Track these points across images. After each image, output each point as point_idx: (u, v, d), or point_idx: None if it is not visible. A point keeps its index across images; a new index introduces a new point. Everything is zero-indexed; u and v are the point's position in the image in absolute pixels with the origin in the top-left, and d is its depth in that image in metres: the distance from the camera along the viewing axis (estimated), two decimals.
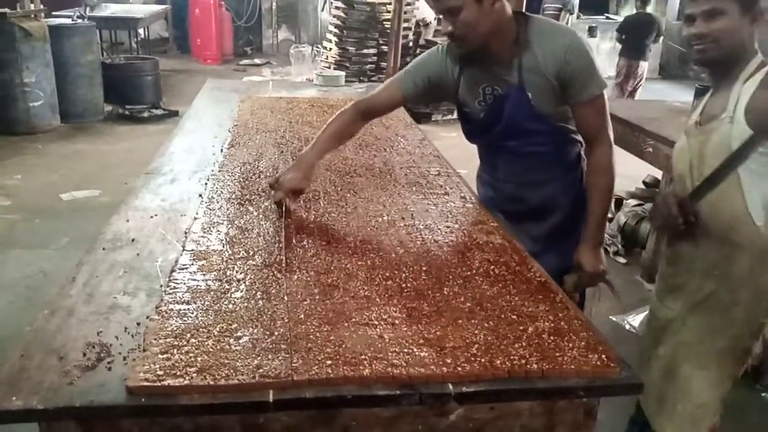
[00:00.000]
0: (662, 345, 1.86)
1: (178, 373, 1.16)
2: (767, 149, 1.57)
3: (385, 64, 7.10)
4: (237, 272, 1.57)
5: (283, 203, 1.96)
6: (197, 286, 1.50)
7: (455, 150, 4.10)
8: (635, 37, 7.35)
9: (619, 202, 4.59)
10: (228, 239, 1.76)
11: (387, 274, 1.59)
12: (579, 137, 2.05)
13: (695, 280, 1.79)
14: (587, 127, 1.95)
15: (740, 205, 1.65)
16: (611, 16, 11.94)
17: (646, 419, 1.92)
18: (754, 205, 1.63)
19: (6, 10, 6.13)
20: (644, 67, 7.38)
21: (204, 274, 1.55)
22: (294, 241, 1.76)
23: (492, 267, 1.67)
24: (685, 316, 1.82)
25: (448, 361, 1.24)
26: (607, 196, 1.96)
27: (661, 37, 7.89)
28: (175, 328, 1.31)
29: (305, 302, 1.44)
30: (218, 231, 1.81)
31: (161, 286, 1.50)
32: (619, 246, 4.32)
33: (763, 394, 2.89)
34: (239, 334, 1.30)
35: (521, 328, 1.37)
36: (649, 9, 7.89)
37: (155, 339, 1.27)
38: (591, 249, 1.95)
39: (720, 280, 1.73)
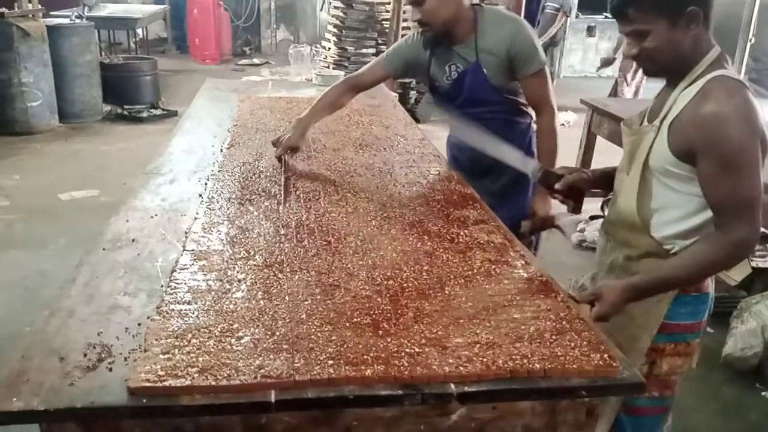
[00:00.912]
0: None
1: (180, 373, 1.16)
2: (680, 170, 1.53)
3: None
4: (238, 272, 1.57)
5: (282, 159, 2.41)
6: (198, 286, 1.49)
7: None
8: None
9: None
10: (228, 239, 1.75)
11: (388, 274, 1.59)
12: (529, 110, 2.48)
13: (602, 273, 1.80)
14: (533, 95, 2.39)
15: (645, 216, 1.63)
16: (610, 15, 11.92)
17: None
18: (658, 219, 1.61)
19: (4, 9, 6.11)
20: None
21: (205, 274, 1.55)
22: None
23: (493, 266, 1.67)
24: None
25: (450, 360, 1.24)
26: (552, 154, 2.35)
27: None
28: (176, 329, 1.30)
29: (306, 302, 1.44)
30: (218, 231, 1.81)
31: (162, 286, 1.50)
32: None
33: (763, 393, 2.89)
34: (240, 334, 1.30)
35: (523, 327, 1.37)
36: None
37: (156, 339, 1.26)
38: (542, 198, 2.33)
39: (618, 276, 1.71)
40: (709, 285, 1.69)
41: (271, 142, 2.52)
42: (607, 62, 7.21)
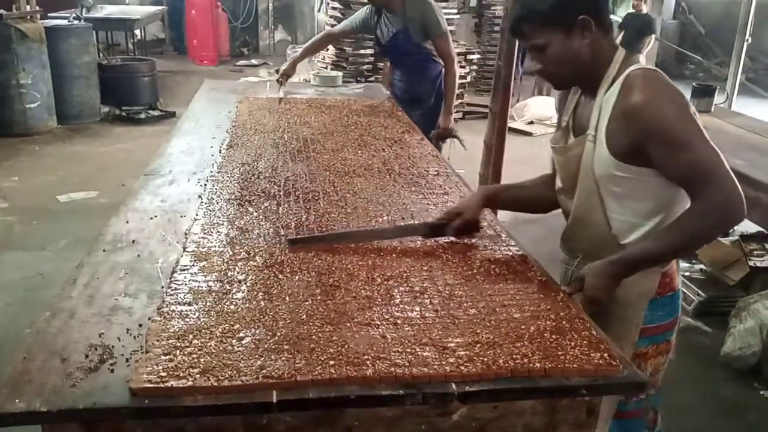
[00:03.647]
0: None
1: (181, 374, 1.16)
2: (627, 173, 1.53)
3: (382, 64, 7.09)
4: (238, 273, 1.57)
5: (280, 82, 3.81)
6: (198, 287, 1.49)
7: (454, 150, 4.10)
8: (635, 33, 7.69)
9: None
10: (228, 240, 1.76)
11: (388, 274, 1.59)
12: (439, 61, 3.80)
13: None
14: (440, 51, 3.75)
15: (604, 226, 1.62)
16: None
17: None
18: (618, 226, 1.61)
19: (2, 11, 6.11)
20: (643, 61, 7.44)
21: (205, 275, 1.55)
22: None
23: (493, 266, 1.67)
24: None
25: (451, 360, 1.24)
26: (452, 90, 3.80)
27: (653, 35, 8.03)
28: (177, 330, 1.31)
29: (307, 302, 1.44)
30: (218, 232, 1.81)
31: (162, 287, 1.50)
32: None
33: (761, 392, 2.90)
34: (242, 334, 1.30)
35: (523, 327, 1.38)
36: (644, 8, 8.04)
37: (157, 340, 1.27)
38: (446, 115, 3.84)
39: None
40: (677, 281, 1.70)
41: (276, 80, 3.89)
42: None
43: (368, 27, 3.91)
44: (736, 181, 1.44)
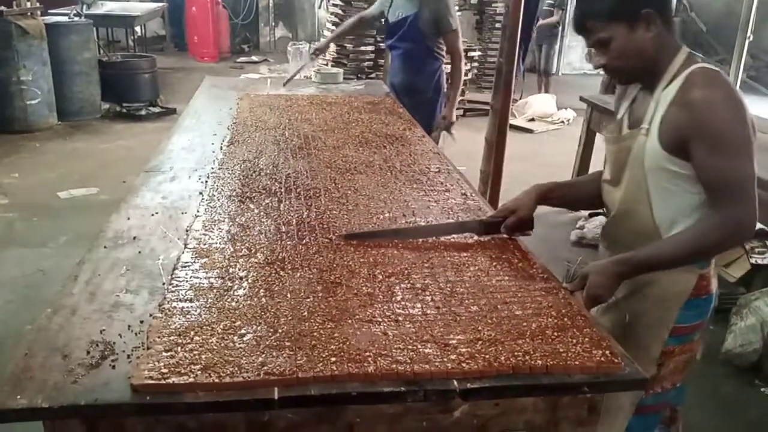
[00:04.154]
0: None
1: (183, 371, 1.16)
2: (677, 167, 1.53)
3: (383, 61, 7.09)
4: (239, 270, 1.57)
5: (312, 58, 4.42)
6: (200, 283, 1.49)
7: (455, 147, 4.10)
8: None
9: None
10: (230, 237, 1.76)
11: (389, 271, 1.59)
12: (440, 58, 3.93)
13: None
14: (448, 46, 3.85)
15: (648, 219, 1.62)
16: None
17: None
18: (662, 221, 1.61)
19: (2, 8, 6.11)
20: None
21: (206, 272, 1.55)
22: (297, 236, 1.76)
23: (494, 263, 1.67)
24: (600, 318, 1.76)
25: (453, 357, 1.24)
26: (457, 86, 3.95)
27: None
28: (178, 326, 1.31)
29: (308, 299, 1.44)
30: (219, 228, 1.81)
31: (164, 283, 1.50)
32: None
33: (762, 390, 2.90)
34: (243, 331, 1.30)
35: (525, 324, 1.38)
36: None
37: (159, 337, 1.27)
38: (450, 108, 3.93)
39: (628, 286, 1.69)
40: (714, 284, 1.69)
41: (310, 54, 4.47)
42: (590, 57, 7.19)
43: (383, 14, 4.01)
44: (757, 207, 1.46)
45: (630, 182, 1.64)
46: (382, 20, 4.11)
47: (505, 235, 1.82)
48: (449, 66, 3.99)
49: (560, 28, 9.19)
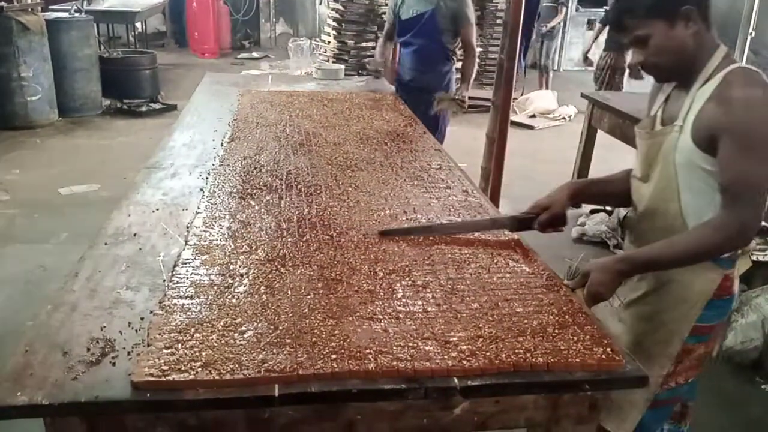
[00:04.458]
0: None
1: (183, 367, 1.16)
2: (708, 165, 1.52)
3: (384, 58, 7.07)
4: (240, 266, 1.56)
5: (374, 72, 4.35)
6: (200, 280, 1.49)
7: (456, 144, 4.10)
8: None
9: None
10: (230, 233, 1.75)
11: (390, 268, 1.59)
12: (452, 59, 3.95)
13: (632, 280, 1.75)
14: (464, 40, 3.86)
15: (678, 217, 1.61)
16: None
17: None
18: (691, 218, 1.60)
19: (3, 3, 6.10)
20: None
21: (207, 269, 1.55)
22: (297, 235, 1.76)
23: (495, 260, 1.67)
24: (621, 312, 1.79)
25: (453, 354, 1.24)
26: (470, 75, 3.87)
27: None
28: (179, 323, 1.30)
29: (309, 296, 1.44)
30: (220, 225, 1.81)
31: (164, 280, 1.50)
32: (619, 239, 4.32)
33: (763, 387, 2.90)
34: (243, 328, 1.30)
35: (525, 321, 1.37)
36: None
37: (159, 334, 1.27)
38: (465, 89, 3.83)
39: (651, 282, 1.70)
40: (736, 285, 1.69)
41: (370, 69, 4.66)
42: (585, 57, 7.14)
43: (395, 13, 3.96)
44: (762, 215, 1.46)
45: (660, 178, 1.63)
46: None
47: (538, 231, 1.82)
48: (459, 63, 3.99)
49: (561, 24, 9.17)
